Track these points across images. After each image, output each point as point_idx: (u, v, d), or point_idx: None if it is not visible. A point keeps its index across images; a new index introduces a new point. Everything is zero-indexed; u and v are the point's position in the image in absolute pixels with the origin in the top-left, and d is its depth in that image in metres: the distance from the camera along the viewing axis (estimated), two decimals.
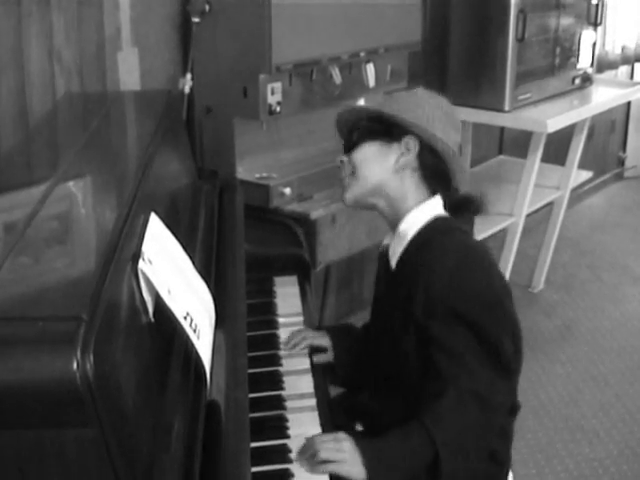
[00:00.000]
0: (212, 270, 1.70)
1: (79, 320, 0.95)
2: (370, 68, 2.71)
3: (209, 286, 1.47)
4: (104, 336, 0.98)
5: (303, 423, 1.62)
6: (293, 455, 1.51)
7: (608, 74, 4.76)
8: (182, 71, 2.53)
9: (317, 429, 1.61)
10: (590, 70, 3.75)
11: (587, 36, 3.66)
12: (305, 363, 1.84)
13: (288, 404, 1.68)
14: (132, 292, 1.17)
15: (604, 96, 3.72)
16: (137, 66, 2.45)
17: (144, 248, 1.23)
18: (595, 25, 3.68)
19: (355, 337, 1.90)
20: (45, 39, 2.18)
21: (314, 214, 2.41)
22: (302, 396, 1.72)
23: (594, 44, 3.73)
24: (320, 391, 1.75)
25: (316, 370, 1.82)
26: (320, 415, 1.66)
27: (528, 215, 3.59)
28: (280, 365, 1.82)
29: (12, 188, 1.52)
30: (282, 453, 1.52)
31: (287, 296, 2.12)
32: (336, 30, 2.52)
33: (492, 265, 1.65)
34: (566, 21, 3.50)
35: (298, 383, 1.76)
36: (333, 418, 1.68)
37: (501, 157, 4.20)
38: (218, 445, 1.26)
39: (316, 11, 2.44)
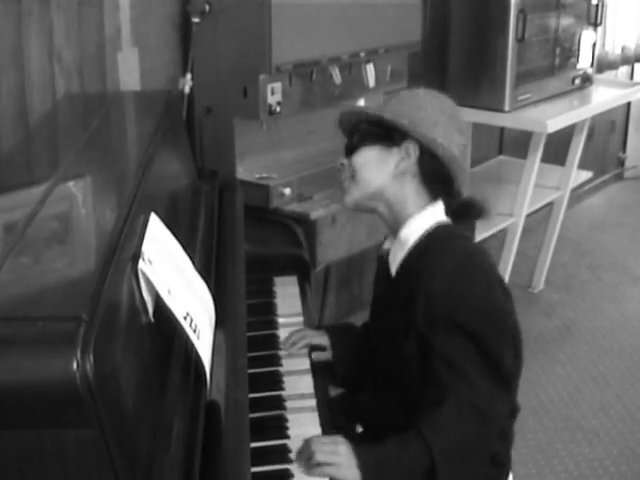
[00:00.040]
0: (212, 270, 1.70)
1: (79, 320, 0.95)
2: (370, 68, 2.71)
3: (209, 286, 1.46)
4: (104, 336, 0.98)
5: (303, 423, 1.62)
6: (293, 455, 1.51)
7: (608, 74, 4.76)
8: (182, 71, 2.53)
9: (317, 429, 1.61)
10: (590, 70, 3.75)
11: (587, 36, 3.66)
12: (305, 363, 1.84)
13: (288, 404, 1.68)
14: (132, 292, 1.17)
15: (604, 96, 3.72)
16: (137, 66, 2.45)
17: (144, 248, 1.23)
18: (595, 25, 3.68)
19: (355, 336, 1.89)
20: (45, 39, 2.18)
21: (314, 214, 2.41)
22: (302, 396, 1.72)
23: (594, 44, 3.73)
24: (320, 391, 1.75)
25: (316, 370, 1.82)
26: (320, 415, 1.66)
27: (528, 215, 3.59)
28: (280, 365, 1.82)
29: (12, 188, 1.52)
30: (282, 453, 1.51)
31: (287, 296, 2.12)
32: (336, 30, 2.52)
33: (493, 272, 1.63)
34: (566, 21, 3.50)
35: (298, 383, 1.76)
36: (333, 418, 1.68)
37: (501, 157, 4.20)
38: (218, 445, 1.26)
39: (316, 11, 2.44)
